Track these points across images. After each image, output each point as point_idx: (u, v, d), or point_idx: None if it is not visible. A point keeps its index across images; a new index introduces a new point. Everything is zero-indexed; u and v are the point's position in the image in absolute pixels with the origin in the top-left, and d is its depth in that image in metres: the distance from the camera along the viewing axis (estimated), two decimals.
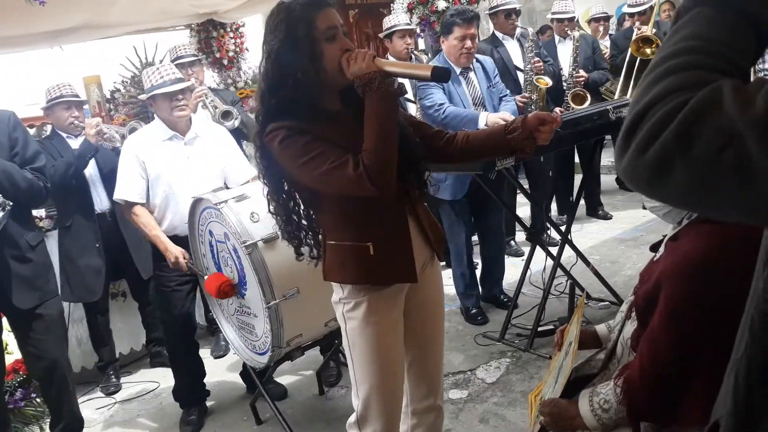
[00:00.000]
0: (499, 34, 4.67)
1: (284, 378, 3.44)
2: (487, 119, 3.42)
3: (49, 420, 3.28)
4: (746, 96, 0.62)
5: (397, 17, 4.57)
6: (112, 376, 3.83)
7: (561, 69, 5.03)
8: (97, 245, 3.59)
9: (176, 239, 2.93)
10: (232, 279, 2.66)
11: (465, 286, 3.85)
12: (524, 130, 1.76)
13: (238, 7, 5.45)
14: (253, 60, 5.93)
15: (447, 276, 4.02)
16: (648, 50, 4.90)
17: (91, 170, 3.59)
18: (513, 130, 1.78)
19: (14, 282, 2.64)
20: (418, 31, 4.81)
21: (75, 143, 3.59)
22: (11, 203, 2.52)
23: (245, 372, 3.32)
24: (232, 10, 5.50)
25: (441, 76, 1.61)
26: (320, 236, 1.86)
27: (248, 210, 2.51)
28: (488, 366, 3.26)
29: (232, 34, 5.71)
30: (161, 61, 4.58)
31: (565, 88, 4.97)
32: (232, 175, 3.06)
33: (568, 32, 5.13)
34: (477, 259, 4.02)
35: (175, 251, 2.88)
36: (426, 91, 3.54)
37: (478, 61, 3.70)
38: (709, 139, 0.62)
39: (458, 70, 3.61)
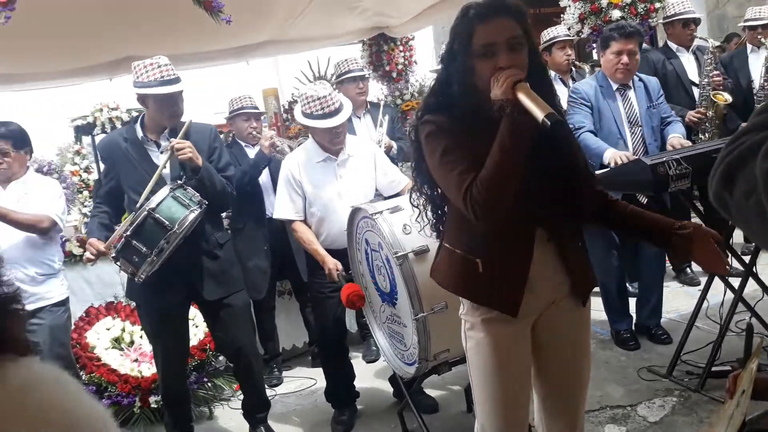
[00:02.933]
0: (672, 45, 4.32)
1: (435, 391, 3.43)
2: (608, 156, 3.20)
3: (217, 404, 3.60)
4: None
5: (556, 29, 4.44)
6: (275, 370, 4.09)
7: (752, 81, 4.52)
8: (265, 248, 3.87)
9: (332, 252, 3.06)
10: (363, 291, 2.83)
11: (613, 309, 3.66)
12: (689, 240, 1.67)
13: (409, 21, 5.59)
14: (420, 73, 6.04)
15: (599, 302, 3.79)
16: None
17: (265, 178, 3.88)
18: (681, 235, 1.68)
19: (205, 276, 2.92)
20: (588, 41, 4.61)
21: (252, 152, 3.90)
22: (206, 202, 2.78)
23: (394, 378, 3.38)
24: (404, 25, 5.65)
25: (553, 122, 1.42)
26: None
27: (401, 221, 2.54)
28: (651, 403, 2.99)
29: (401, 48, 5.86)
30: (327, 77, 4.82)
31: (755, 102, 4.46)
32: (385, 187, 3.17)
33: (762, 41, 4.58)
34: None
35: (329, 264, 3.00)
36: (572, 108, 3.43)
37: (640, 80, 3.51)
38: (741, 184, 0.70)
39: (615, 86, 3.47)
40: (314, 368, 4.14)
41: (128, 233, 2.63)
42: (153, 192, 2.71)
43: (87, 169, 6.37)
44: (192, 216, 2.69)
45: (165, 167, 2.83)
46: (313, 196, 3.09)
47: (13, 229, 3.04)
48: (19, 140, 3.15)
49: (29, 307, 3.09)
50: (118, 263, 2.72)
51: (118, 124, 5.63)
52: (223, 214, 4.07)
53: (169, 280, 2.79)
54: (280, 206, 3.16)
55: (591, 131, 3.36)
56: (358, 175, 3.12)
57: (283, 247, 3.89)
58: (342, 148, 3.12)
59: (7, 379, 0.66)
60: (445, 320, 2.47)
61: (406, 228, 2.50)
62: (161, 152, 2.89)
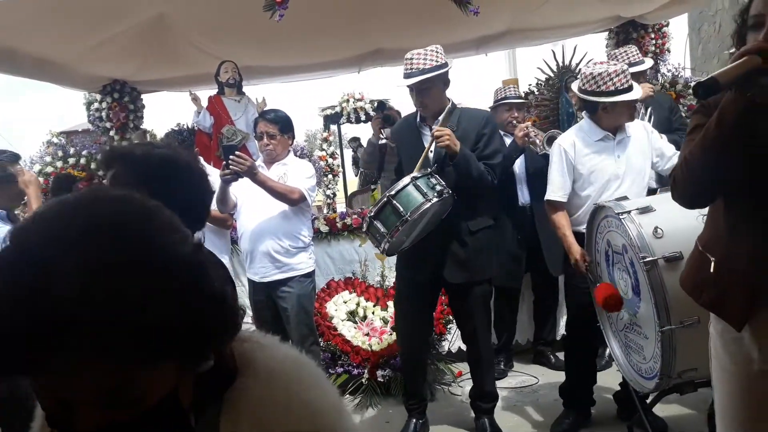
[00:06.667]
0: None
1: (667, 410, 3.14)
2: None
3: (438, 387, 3.68)
4: None
5: None
6: (501, 363, 4.06)
7: None
8: (519, 237, 3.87)
9: (579, 235, 2.94)
10: (621, 294, 2.56)
11: None
12: None
13: (661, 8, 5.14)
14: (673, 61, 5.52)
15: None
16: None
17: (518, 169, 3.87)
18: None
19: (449, 259, 3.03)
20: None
21: (510, 141, 3.92)
22: (449, 192, 2.85)
23: (620, 393, 3.17)
24: (657, 11, 5.21)
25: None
26: None
27: (652, 224, 2.34)
28: None
29: (653, 35, 5.40)
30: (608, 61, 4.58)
31: None
32: (663, 168, 3.03)
33: None
34: None
35: (575, 253, 2.89)
36: None
37: None
38: None
39: None
40: (535, 365, 4.05)
41: (371, 214, 2.86)
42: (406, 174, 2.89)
43: (332, 155, 6.97)
44: (428, 205, 2.76)
45: (430, 151, 2.99)
46: (588, 177, 2.99)
47: (271, 206, 3.40)
48: (285, 125, 3.51)
49: (282, 276, 3.46)
50: (367, 236, 3.06)
51: (362, 115, 6.04)
52: None
53: (418, 258, 3.03)
54: (554, 188, 3.05)
55: None
56: (636, 156, 2.99)
57: (531, 239, 3.85)
58: (624, 126, 3.01)
59: (256, 370, 0.75)
60: (696, 337, 2.23)
61: (658, 231, 2.30)
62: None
